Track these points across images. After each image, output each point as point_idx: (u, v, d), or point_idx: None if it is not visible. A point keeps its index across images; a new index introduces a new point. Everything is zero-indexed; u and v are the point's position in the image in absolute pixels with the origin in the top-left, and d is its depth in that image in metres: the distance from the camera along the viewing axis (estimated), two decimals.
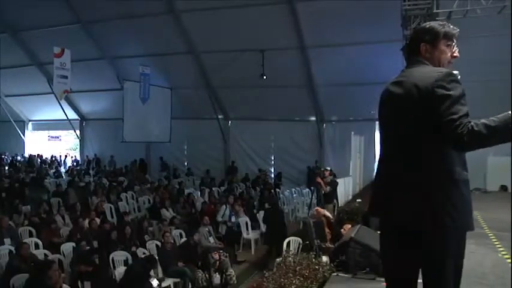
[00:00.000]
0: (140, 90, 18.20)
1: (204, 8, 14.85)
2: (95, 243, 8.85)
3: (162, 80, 19.10)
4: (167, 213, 11.89)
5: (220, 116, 19.79)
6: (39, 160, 22.63)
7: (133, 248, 8.57)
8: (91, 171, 20.41)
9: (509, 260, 5.42)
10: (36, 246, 8.63)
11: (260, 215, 12.20)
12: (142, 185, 16.00)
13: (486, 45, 11.96)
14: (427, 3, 12.15)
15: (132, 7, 15.22)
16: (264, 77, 16.27)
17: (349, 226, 7.36)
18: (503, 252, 5.87)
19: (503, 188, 13.66)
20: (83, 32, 17.39)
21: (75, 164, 23.09)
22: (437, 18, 12.52)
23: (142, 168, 20.55)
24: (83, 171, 19.97)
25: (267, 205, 11.22)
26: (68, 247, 8.47)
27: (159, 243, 8.95)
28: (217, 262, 8.64)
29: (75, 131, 22.79)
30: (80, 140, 23.59)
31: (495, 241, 6.62)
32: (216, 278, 8.75)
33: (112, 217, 12.03)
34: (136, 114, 18.44)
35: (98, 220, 10.30)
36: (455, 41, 2.46)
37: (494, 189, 12.54)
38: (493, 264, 5.39)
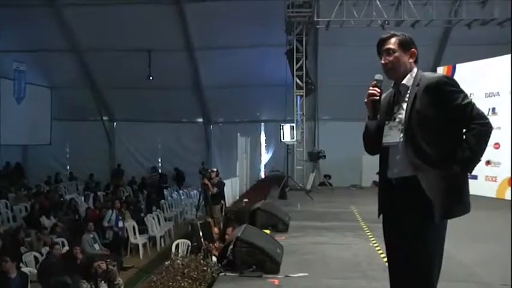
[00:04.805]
0: (15, 89, 16.68)
1: (88, 4, 14.06)
2: None
3: (41, 79, 17.72)
4: (47, 221, 11.09)
5: (105, 118, 18.95)
6: None
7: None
8: None
9: (378, 248, 5.94)
10: None
11: (148, 218, 11.96)
12: (18, 192, 14.74)
13: (359, 53, 12.91)
14: (309, 12, 12.89)
15: None
16: (151, 78, 15.96)
17: (231, 229, 7.50)
18: (373, 242, 6.43)
19: (375, 183, 15.03)
20: None
21: None
22: (317, 26, 13.38)
23: (18, 173, 18.89)
24: None
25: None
26: None
27: (37, 255, 8.30)
28: (104, 272, 8.25)
29: None
30: None
31: (368, 232, 7.22)
32: None
33: None
34: (10, 115, 16.80)
35: None
36: (380, 50, 2.73)
37: (368, 185, 13.64)
38: (365, 254, 5.88)
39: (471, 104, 2.52)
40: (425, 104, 2.55)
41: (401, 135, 2.60)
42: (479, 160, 2.51)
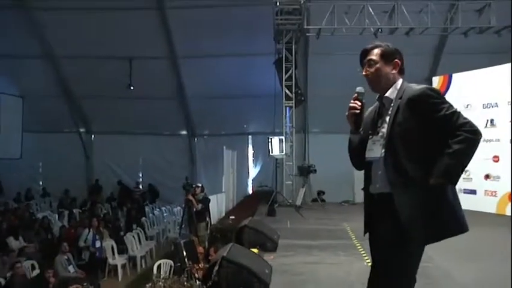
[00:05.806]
0: None
1: (63, 7, 13.99)
2: None
3: (11, 87, 17.53)
4: (15, 243, 10.84)
5: (82, 130, 18.84)
6: None
7: None
8: None
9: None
10: None
11: (128, 237, 11.83)
12: None
13: (351, 62, 13.06)
14: (299, 19, 13.00)
15: None
16: (132, 88, 15.92)
17: (214, 249, 7.45)
18: (367, 261, 6.43)
19: None
20: None
21: None
22: (307, 34, 13.51)
23: None
24: None
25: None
26: None
27: (1, 280, 8.08)
28: None
29: None
30: None
31: (361, 250, 7.22)
32: None
33: None
34: None
35: None
36: (363, 60, 2.79)
37: (360, 201, 13.68)
38: (359, 273, 5.87)
39: (456, 113, 2.52)
40: (408, 118, 2.57)
41: (383, 150, 2.64)
42: (463, 169, 2.48)
